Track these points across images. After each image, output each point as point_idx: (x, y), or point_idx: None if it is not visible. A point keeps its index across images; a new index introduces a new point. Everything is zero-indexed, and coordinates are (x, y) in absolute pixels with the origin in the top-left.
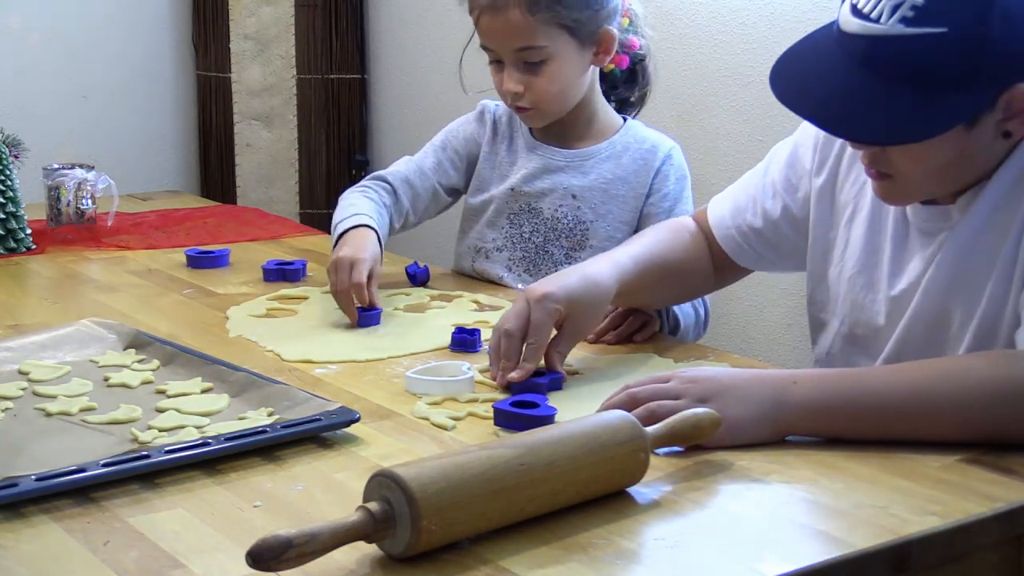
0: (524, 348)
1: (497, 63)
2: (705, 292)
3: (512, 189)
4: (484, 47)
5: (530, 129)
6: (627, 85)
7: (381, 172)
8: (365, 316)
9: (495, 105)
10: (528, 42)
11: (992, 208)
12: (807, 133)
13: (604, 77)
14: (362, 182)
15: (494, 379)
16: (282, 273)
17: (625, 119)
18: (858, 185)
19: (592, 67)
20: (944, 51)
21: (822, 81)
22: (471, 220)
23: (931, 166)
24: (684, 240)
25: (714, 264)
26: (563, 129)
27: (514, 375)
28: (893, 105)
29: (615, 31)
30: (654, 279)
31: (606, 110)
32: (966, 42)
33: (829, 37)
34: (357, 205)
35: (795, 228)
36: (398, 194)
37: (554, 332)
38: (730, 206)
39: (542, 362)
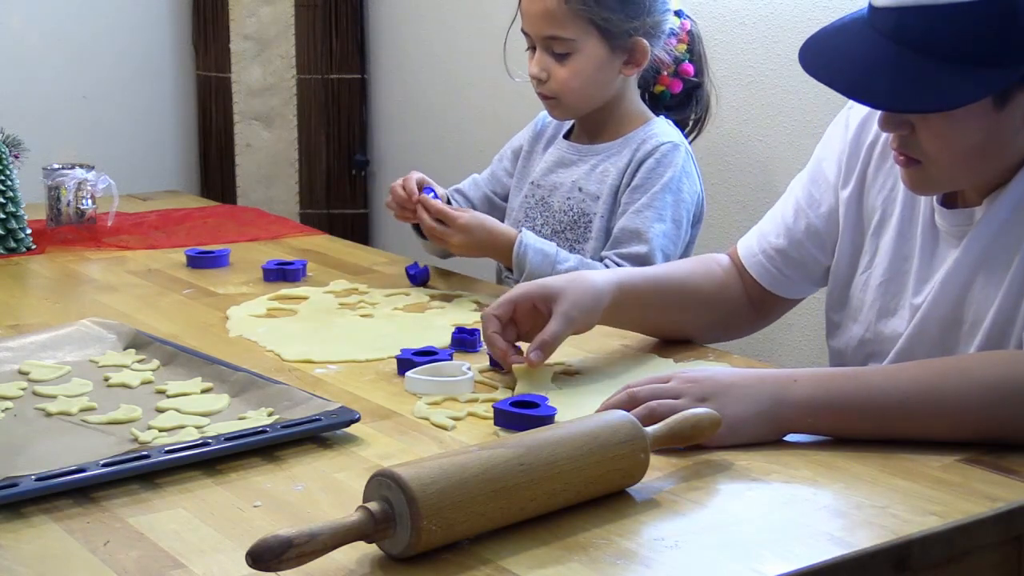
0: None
1: (533, 49)
2: (747, 329)
3: (532, 183)
4: (524, 31)
5: (566, 133)
6: (679, 109)
7: None
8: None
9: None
10: (557, 31)
11: (1014, 206)
12: (830, 148)
13: (656, 97)
14: None
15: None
16: (282, 273)
17: (655, 118)
18: (884, 192)
19: (622, 76)
20: (974, 23)
21: (851, 55)
22: (508, 220)
23: (959, 149)
24: (713, 271)
25: (750, 298)
26: (588, 127)
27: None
28: (921, 74)
29: (648, 44)
30: (673, 300)
31: (634, 114)
32: (996, 14)
33: (860, 19)
34: None
35: (819, 245)
36: (451, 203)
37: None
38: (756, 235)
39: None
